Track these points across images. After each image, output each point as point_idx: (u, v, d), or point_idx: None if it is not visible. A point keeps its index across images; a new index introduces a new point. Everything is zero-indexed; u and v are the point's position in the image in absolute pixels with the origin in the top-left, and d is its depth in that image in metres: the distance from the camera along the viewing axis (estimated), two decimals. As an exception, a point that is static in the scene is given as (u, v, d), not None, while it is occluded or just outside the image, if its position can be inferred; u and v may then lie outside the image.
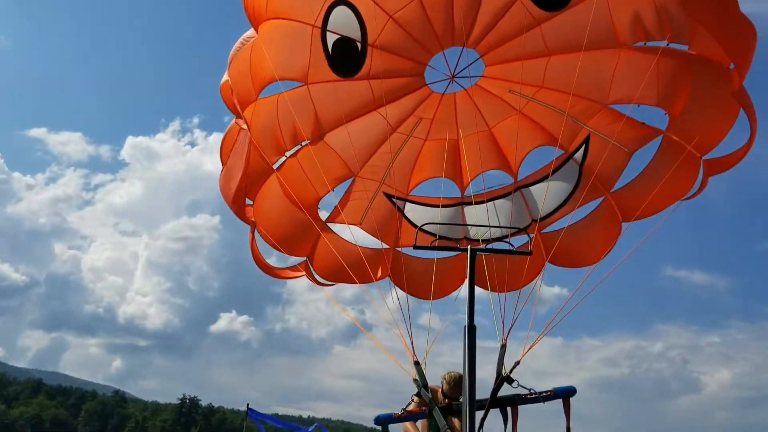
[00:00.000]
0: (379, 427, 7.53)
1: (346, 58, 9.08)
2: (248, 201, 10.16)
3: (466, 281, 6.32)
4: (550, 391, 7.16)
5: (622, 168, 9.58)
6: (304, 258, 10.51)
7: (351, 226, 10.45)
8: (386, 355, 7.59)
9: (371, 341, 7.80)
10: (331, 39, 8.96)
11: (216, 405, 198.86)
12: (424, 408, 7.18)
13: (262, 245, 10.41)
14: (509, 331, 7.22)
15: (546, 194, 9.95)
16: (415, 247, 7.54)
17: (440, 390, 8.34)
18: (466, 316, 5.59)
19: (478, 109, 10.14)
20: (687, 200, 9.18)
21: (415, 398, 7.24)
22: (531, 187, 10.27)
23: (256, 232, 10.25)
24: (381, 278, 10.49)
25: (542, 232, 10.14)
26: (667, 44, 8.52)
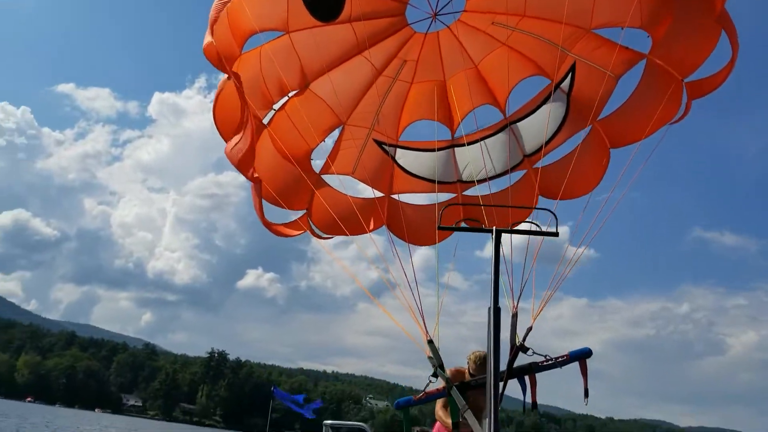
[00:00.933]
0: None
1: (326, 2, 8.92)
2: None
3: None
4: (566, 355, 7.14)
5: (609, 94, 9.49)
6: (304, 211, 10.47)
7: (344, 176, 10.42)
8: (394, 322, 7.49)
9: (395, 300, 7.60)
10: None
11: (243, 359, 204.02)
12: (442, 388, 7.09)
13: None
14: (519, 300, 7.15)
15: (537, 126, 9.88)
16: (439, 228, 7.47)
17: (467, 371, 8.22)
18: (490, 298, 5.43)
19: (462, 45, 10.02)
20: (673, 125, 9.12)
21: (432, 379, 7.11)
22: (521, 122, 10.15)
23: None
24: (376, 228, 10.48)
25: (535, 167, 10.13)
26: None
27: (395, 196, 10.73)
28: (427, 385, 7.12)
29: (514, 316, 7.10)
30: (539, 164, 10.12)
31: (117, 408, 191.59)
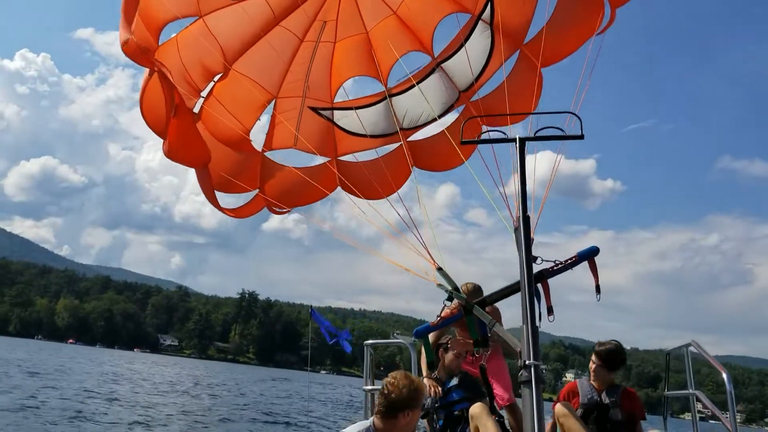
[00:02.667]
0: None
1: None
2: None
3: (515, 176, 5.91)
4: (574, 256, 7.05)
5: (530, 16, 9.53)
6: (257, 190, 10.40)
7: (287, 149, 10.38)
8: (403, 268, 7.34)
9: (421, 237, 7.66)
10: None
11: (273, 299, 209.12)
12: (456, 310, 7.09)
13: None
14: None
15: (467, 60, 9.87)
16: (462, 142, 7.55)
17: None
18: (518, 208, 5.45)
19: None
20: (599, 35, 9.05)
21: (447, 303, 6.96)
22: (450, 60, 10.13)
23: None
24: (331, 192, 10.55)
25: (472, 100, 10.17)
26: None
27: (343, 158, 10.73)
28: (442, 309, 7.07)
29: (517, 230, 7.33)
30: (476, 97, 10.15)
31: (155, 348, 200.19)
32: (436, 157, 10.06)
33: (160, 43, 8.97)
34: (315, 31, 9.93)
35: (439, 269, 7.16)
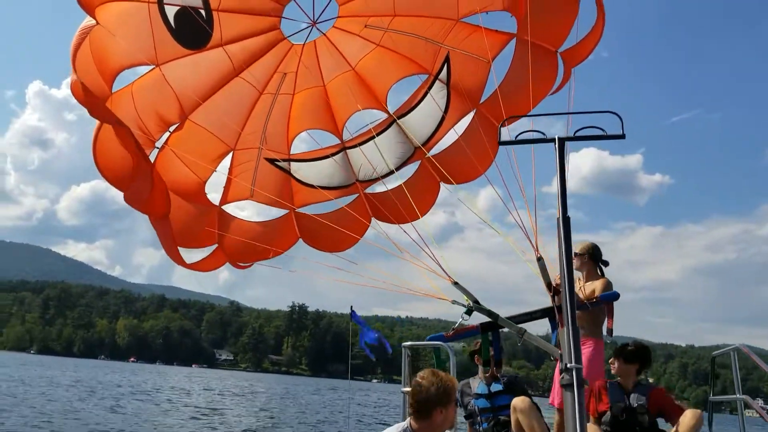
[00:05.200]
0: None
1: (191, 29, 8.58)
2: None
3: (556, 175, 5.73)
4: (596, 298, 7.38)
5: (485, 77, 9.78)
6: (215, 245, 10.19)
7: (243, 201, 10.30)
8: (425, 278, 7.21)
9: (463, 242, 7.62)
10: (171, 12, 8.42)
11: (321, 310, 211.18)
12: (476, 325, 6.84)
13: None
14: (536, 240, 6.83)
15: (423, 119, 10.10)
16: (501, 143, 7.81)
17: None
18: (558, 209, 5.34)
19: (339, 51, 10.02)
20: (553, 94, 9.51)
21: (465, 317, 6.82)
22: (406, 117, 10.28)
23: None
24: (291, 246, 10.47)
25: (429, 155, 10.26)
26: None
27: (301, 210, 10.62)
28: (458, 323, 6.88)
29: (539, 259, 6.77)
30: (433, 152, 10.30)
31: (211, 363, 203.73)
32: (395, 209, 9.95)
33: (113, 91, 8.74)
34: (275, 83, 9.93)
35: (455, 283, 7.03)
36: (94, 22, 8.13)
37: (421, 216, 9.74)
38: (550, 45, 9.17)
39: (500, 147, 9.23)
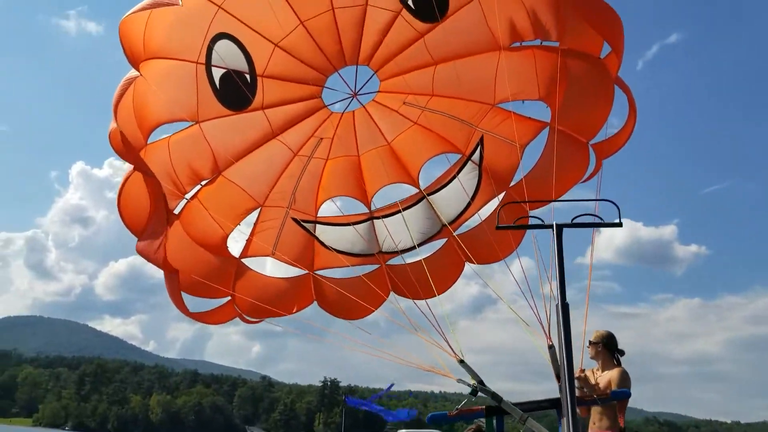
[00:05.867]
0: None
1: (235, 91, 8.95)
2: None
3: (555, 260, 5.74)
4: (607, 393, 7.43)
5: (518, 163, 9.94)
6: (228, 298, 10.28)
7: (265, 258, 10.46)
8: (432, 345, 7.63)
9: (496, 314, 7.72)
10: (217, 74, 8.85)
11: (353, 385, 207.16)
12: (480, 408, 6.93)
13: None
14: (549, 330, 7.08)
15: (452, 198, 10.29)
16: (498, 227, 7.65)
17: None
18: (557, 295, 5.34)
19: (376, 124, 10.33)
20: (584, 182, 9.73)
21: (471, 398, 7.01)
22: (436, 194, 10.49)
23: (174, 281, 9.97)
24: (305, 306, 10.55)
25: (456, 234, 10.40)
26: (541, 42, 9.09)
27: (319, 272, 10.70)
28: (463, 403, 6.96)
29: (551, 347, 6.95)
30: (460, 231, 10.47)
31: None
32: (414, 284, 10.00)
33: (150, 141, 9.09)
34: (309, 147, 10.22)
35: (461, 362, 7.14)
36: (137, 73, 8.59)
37: (441, 293, 9.88)
38: (583, 136, 9.39)
39: (526, 232, 9.42)
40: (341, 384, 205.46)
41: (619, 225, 5.80)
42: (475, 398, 7.04)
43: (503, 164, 9.93)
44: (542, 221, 6.00)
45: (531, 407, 6.82)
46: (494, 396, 6.86)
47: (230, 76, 8.85)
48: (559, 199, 9.45)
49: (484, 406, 6.85)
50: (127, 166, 9.39)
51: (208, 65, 8.80)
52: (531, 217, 8.70)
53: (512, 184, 10.14)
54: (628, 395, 7.53)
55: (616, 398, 7.57)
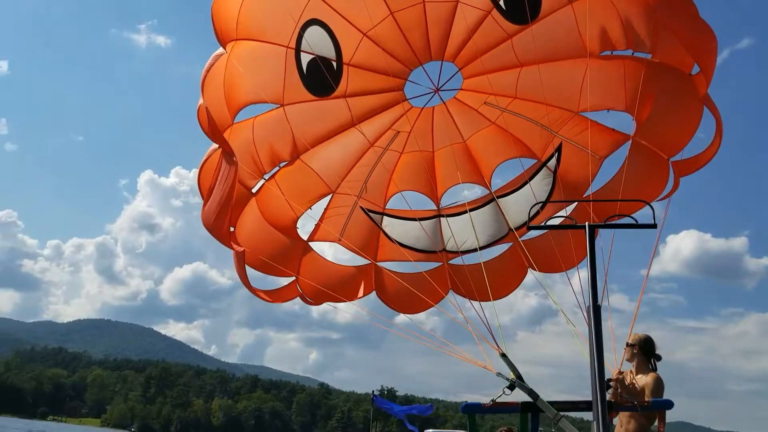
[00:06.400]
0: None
1: (321, 77, 9.10)
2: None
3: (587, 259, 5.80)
4: (648, 402, 7.25)
5: (594, 173, 9.77)
6: (293, 278, 10.49)
7: (331, 243, 10.64)
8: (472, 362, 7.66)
9: (557, 326, 7.86)
10: (305, 59, 9.03)
11: (410, 394, 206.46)
12: (516, 403, 6.96)
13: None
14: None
15: (523, 202, 10.11)
16: (529, 228, 7.81)
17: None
18: (589, 296, 5.23)
19: (454, 121, 10.31)
20: (661, 200, 9.47)
21: (507, 391, 7.00)
22: (507, 197, 10.40)
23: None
24: (365, 295, 10.62)
25: (522, 239, 10.27)
26: (632, 53, 8.86)
27: (381, 264, 10.81)
28: (499, 396, 6.96)
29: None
30: (526, 237, 10.33)
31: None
32: (473, 288, 9.86)
33: (236, 120, 9.39)
34: (386, 139, 10.31)
35: (503, 355, 7.14)
36: (224, 51, 8.83)
37: (500, 298, 10.00)
38: (665, 153, 9.18)
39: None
40: (398, 393, 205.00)
41: (654, 226, 5.72)
42: (510, 393, 7.01)
43: (579, 174, 9.70)
44: (574, 221, 5.99)
45: (566, 407, 6.78)
46: (531, 393, 6.82)
47: (317, 62, 8.99)
48: (591, 199, 9.44)
49: (520, 402, 6.85)
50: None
51: (298, 50, 8.95)
52: (564, 217, 8.53)
53: (586, 194, 9.91)
54: (671, 406, 7.17)
55: (657, 408, 7.22)
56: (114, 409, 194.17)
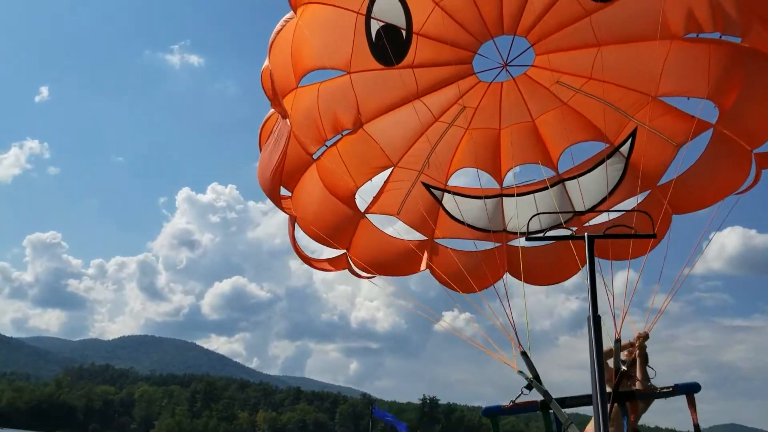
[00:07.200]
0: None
1: (390, 46, 8.91)
2: (287, 192, 10.09)
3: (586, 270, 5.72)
4: (671, 387, 7.07)
5: (670, 161, 9.37)
6: (344, 251, 10.41)
7: (388, 216, 10.48)
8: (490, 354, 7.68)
9: (512, 317, 7.80)
10: (375, 26, 8.86)
11: (452, 402, 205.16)
12: (535, 401, 7.01)
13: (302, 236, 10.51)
14: (621, 325, 7.04)
15: (590, 187, 9.82)
16: (528, 237, 7.65)
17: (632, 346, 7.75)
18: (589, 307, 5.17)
19: (524, 99, 9.98)
20: (740, 194, 9.03)
21: (525, 391, 7.01)
22: (573, 180, 10.05)
23: (296, 224, 10.26)
24: (420, 270, 10.44)
25: (587, 225, 9.96)
26: (720, 36, 8.33)
27: (439, 241, 10.61)
28: (518, 396, 6.99)
29: (617, 341, 6.96)
30: (593, 222, 10.02)
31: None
32: (528, 271, 9.81)
33: (301, 84, 9.32)
34: (452, 113, 10.04)
35: (523, 353, 7.08)
36: (294, 15, 8.77)
37: (556, 283, 9.98)
38: (748, 144, 8.65)
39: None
40: (440, 402, 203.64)
41: (653, 236, 5.84)
42: (529, 393, 7.02)
43: (654, 161, 9.27)
44: (573, 231, 5.77)
45: (578, 402, 6.87)
46: (545, 394, 6.89)
47: (386, 30, 8.84)
48: (587, 210, 9.40)
49: (539, 401, 6.92)
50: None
51: (368, 16, 8.81)
52: (561, 226, 8.83)
53: (660, 183, 9.54)
54: (698, 388, 6.97)
55: (683, 392, 6.99)
56: (162, 424, 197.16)
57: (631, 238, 6.26)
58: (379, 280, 10.69)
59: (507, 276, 10.18)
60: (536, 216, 9.08)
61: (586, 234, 5.43)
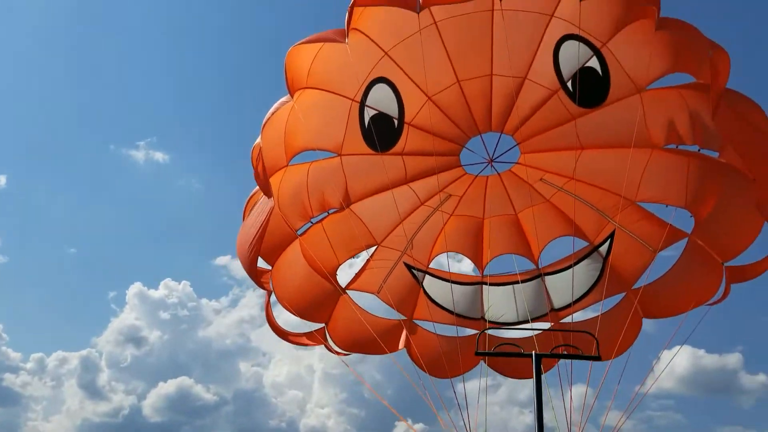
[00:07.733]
0: None
1: (381, 133, 9.30)
2: (267, 266, 10.28)
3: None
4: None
5: (646, 266, 9.61)
6: (322, 325, 10.51)
7: (368, 294, 10.58)
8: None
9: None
10: (368, 114, 9.26)
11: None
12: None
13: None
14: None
15: (567, 284, 9.93)
16: (477, 354, 7.59)
17: None
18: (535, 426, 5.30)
19: (508, 193, 10.31)
20: (712, 305, 9.22)
21: None
22: (552, 276, 10.24)
23: (273, 298, 10.40)
24: (398, 350, 10.48)
25: (561, 321, 10.11)
26: (699, 149, 8.70)
27: (417, 322, 10.72)
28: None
29: None
30: (567, 319, 10.12)
31: None
32: (505, 363, 10.01)
33: (292, 162, 9.62)
34: (436, 200, 10.36)
35: None
36: (289, 99, 9.19)
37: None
38: (720, 256, 8.95)
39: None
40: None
41: (598, 358, 5.99)
42: None
43: (631, 264, 9.61)
44: (521, 349, 6.19)
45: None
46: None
47: (379, 118, 9.25)
48: (530, 327, 9.65)
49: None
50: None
51: (362, 104, 9.21)
52: (511, 344, 8.48)
53: (635, 287, 9.76)
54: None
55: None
56: None
57: (576, 359, 6.36)
58: (350, 360, 10.82)
59: (467, 386, 9.87)
60: (489, 328, 9.74)
61: (533, 353, 5.62)
